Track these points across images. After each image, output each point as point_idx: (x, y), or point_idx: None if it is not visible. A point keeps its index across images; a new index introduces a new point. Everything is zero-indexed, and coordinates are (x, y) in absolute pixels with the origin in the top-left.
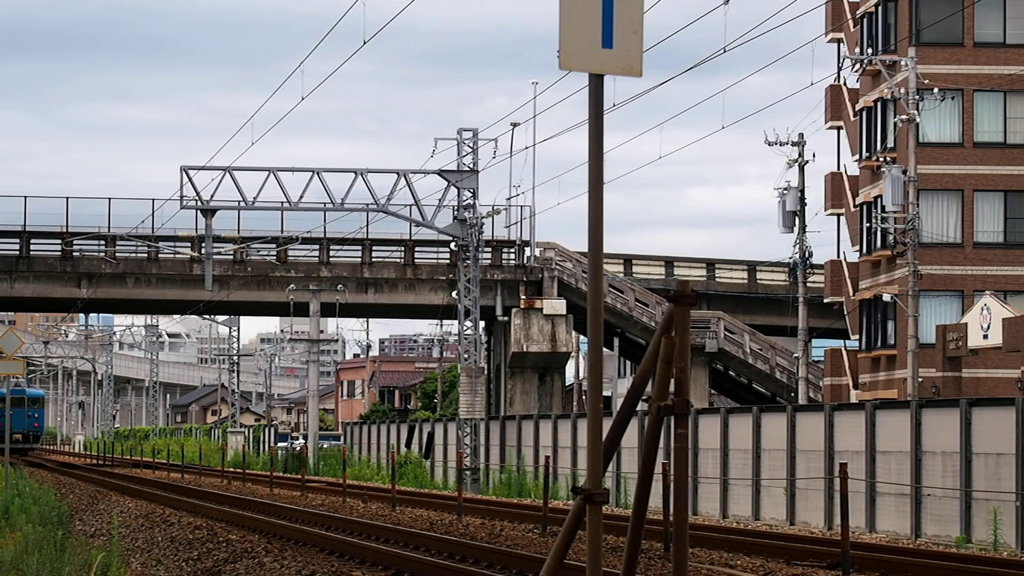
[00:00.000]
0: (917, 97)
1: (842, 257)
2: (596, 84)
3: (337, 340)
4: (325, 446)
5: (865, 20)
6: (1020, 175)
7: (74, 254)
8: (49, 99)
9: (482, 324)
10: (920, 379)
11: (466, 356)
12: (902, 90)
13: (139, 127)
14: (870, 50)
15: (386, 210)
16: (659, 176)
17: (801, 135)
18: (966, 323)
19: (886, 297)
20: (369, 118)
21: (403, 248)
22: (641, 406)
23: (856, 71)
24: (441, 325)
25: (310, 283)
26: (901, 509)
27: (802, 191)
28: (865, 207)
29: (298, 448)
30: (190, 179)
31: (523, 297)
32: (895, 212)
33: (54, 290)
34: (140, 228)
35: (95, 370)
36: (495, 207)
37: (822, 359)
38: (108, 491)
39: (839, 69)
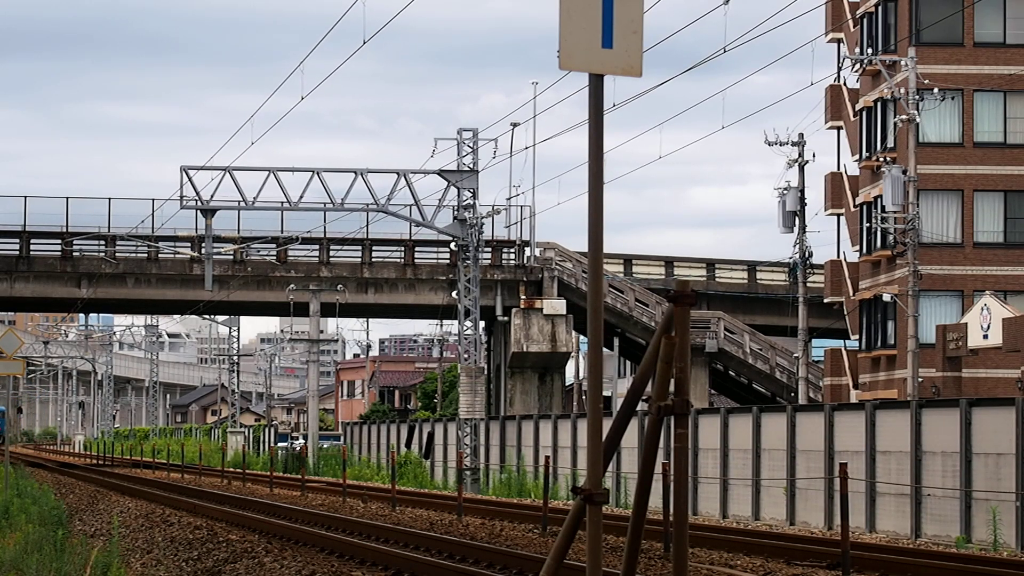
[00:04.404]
0: (917, 97)
1: (842, 257)
2: (596, 84)
3: (337, 340)
4: (325, 446)
5: (865, 20)
6: (1020, 175)
7: (74, 254)
8: (49, 98)
9: (482, 324)
10: (920, 379)
11: (466, 356)
12: (902, 90)
13: (139, 127)
14: (870, 50)
15: (386, 210)
16: (661, 176)
17: (801, 135)
18: (966, 323)
19: (886, 297)
20: (369, 117)
21: (403, 248)
22: (641, 406)
23: (856, 71)
24: (441, 325)
25: (310, 283)
26: (901, 509)
27: (802, 191)
28: (865, 207)
29: (298, 448)
30: (190, 179)
31: (523, 297)
32: (895, 212)
33: (54, 290)
34: (140, 228)
35: (95, 370)
36: (495, 207)
37: (822, 359)
38: (108, 491)
39: (839, 69)
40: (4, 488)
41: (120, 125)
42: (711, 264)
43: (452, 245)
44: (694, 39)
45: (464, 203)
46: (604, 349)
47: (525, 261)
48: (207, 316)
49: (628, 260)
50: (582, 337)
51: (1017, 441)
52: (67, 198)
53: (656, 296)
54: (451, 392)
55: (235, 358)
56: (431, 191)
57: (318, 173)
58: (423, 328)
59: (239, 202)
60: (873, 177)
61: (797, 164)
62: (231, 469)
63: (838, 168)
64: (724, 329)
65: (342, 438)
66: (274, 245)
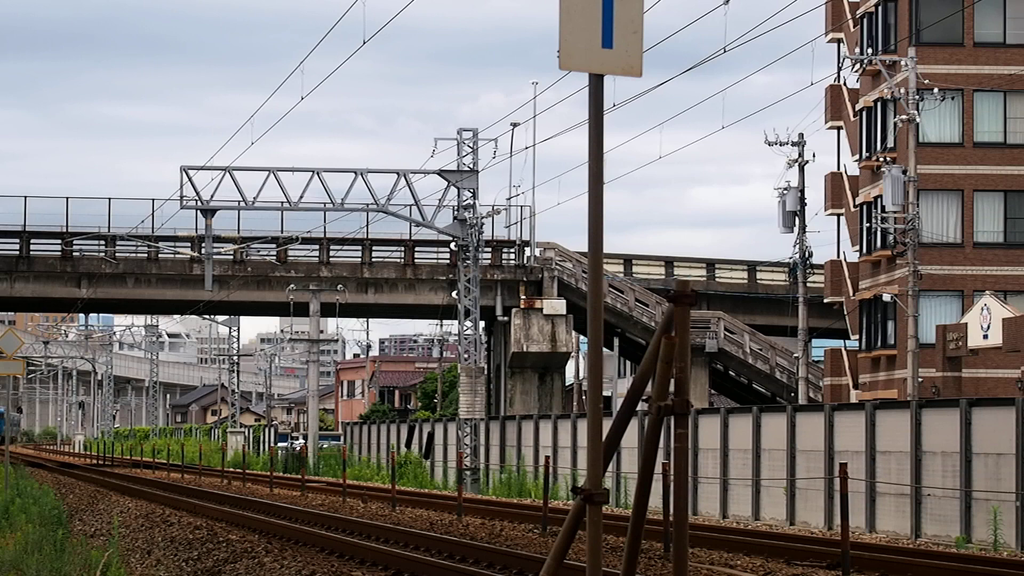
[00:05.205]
0: (917, 97)
1: (842, 257)
2: (596, 84)
3: (337, 340)
4: (325, 446)
5: (865, 20)
6: (1020, 175)
7: (74, 254)
8: (49, 98)
9: (482, 324)
10: (920, 379)
11: (466, 356)
12: (902, 90)
13: (139, 127)
14: (870, 50)
15: (386, 210)
16: (662, 176)
17: (801, 135)
18: (966, 323)
19: (886, 297)
20: (369, 117)
21: (403, 248)
22: (641, 406)
23: (856, 71)
24: (441, 325)
25: (310, 283)
26: (901, 509)
27: (802, 191)
28: (865, 207)
29: (298, 448)
30: (190, 179)
31: (523, 297)
32: (895, 212)
33: (54, 290)
34: (140, 228)
35: (95, 370)
36: (495, 207)
37: (822, 359)
38: (108, 491)
39: (839, 69)
40: (4, 488)
41: (120, 125)
42: (711, 264)
43: (452, 245)
44: (694, 39)
45: (464, 203)
46: (604, 349)
47: (525, 261)
48: (207, 316)
49: (628, 260)
50: (582, 337)
51: (1017, 441)
52: (67, 198)
53: (656, 296)
54: (451, 392)
55: (235, 358)
56: (431, 191)
57: (318, 173)
58: (423, 328)
59: (239, 202)
60: (873, 177)
61: (797, 164)
62: (231, 469)
63: (838, 168)
64: (724, 329)
65: (342, 438)
66: (274, 245)
